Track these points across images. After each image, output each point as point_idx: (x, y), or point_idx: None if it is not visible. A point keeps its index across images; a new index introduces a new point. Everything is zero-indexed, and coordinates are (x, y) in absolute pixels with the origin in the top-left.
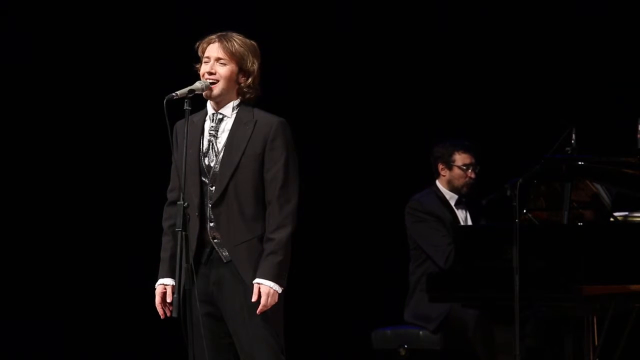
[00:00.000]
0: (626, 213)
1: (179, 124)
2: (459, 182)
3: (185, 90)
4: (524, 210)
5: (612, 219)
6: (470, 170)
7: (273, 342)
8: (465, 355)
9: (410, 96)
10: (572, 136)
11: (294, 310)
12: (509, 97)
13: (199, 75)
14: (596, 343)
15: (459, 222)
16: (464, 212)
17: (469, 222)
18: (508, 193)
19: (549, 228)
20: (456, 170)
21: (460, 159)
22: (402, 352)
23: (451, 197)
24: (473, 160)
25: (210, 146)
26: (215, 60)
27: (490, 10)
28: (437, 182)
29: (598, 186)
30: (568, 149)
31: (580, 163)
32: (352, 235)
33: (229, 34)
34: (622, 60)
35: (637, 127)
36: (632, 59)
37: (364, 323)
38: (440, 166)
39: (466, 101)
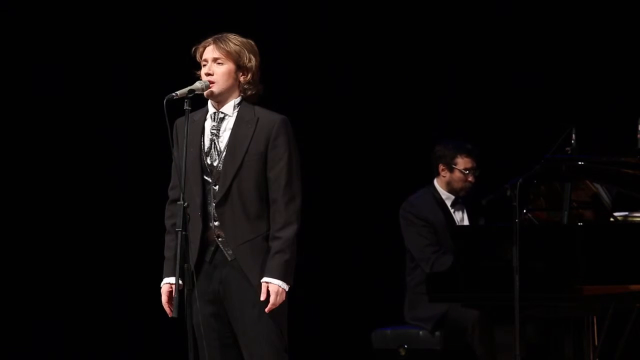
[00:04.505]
0: (626, 213)
1: (179, 122)
2: (457, 185)
3: (185, 90)
4: (524, 210)
5: (612, 219)
6: (470, 175)
7: (277, 342)
8: (465, 355)
9: (411, 95)
10: (572, 136)
11: (294, 310)
12: (509, 97)
13: (199, 79)
14: (596, 343)
15: (454, 223)
16: (460, 213)
17: (466, 223)
18: (508, 193)
19: (549, 228)
20: (457, 174)
21: (462, 162)
22: (402, 352)
23: (447, 198)
24: (474, 165)
25: (213, 145)
26: (212, 62)
27: (491, 10)
28: (435, 182)
29: (598, 186)
30: (568, 149)
31: (580, 163)
32: (352, 235)
33: (224, 34)
34: (622, 60)
35: (637, 127)
36: (632, 59)
37: (364, 323)
38: (441, 167)
39: (466, 101)
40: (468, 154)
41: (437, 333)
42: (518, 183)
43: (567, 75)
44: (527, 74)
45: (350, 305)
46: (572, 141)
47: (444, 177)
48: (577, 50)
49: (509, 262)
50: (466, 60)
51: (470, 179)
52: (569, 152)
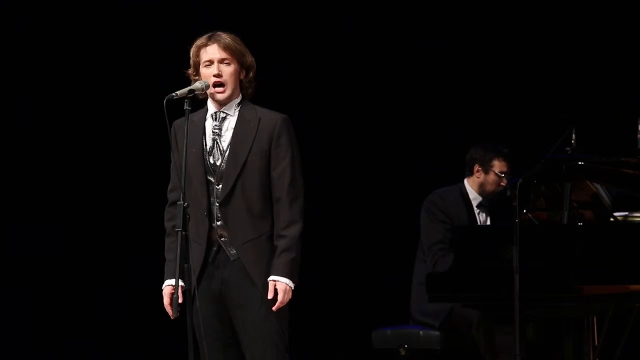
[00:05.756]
0: (626, 213)
1: (178, 123)
2: (490, 187)
3: (185, 90)
4: (524, 210)
5: (612, 219)
6: (504, 179)
7: (279, 341)
8: (466, 355)
9: (411, 95)
10: (572, 136)
11: (294, 310)
12: (509, 97)
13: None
14: (596, 343)
15: (477, 223)
16: (484, 214)
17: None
18: (508, 193)
19: (549, 228)
20: (492, 176)
21: (499, 165)
22: (402, 352)
23: (475, 198)
24: (509, 170)
25: (215, 145)
26: (218, 62)
27: (491, 9)
28: (466, 181)
29: (598, 186)
30: (568, 149)
31: (580, 163)
32: (353, 235)
33: (218, 33)
34: (623, 60)
35: (637, 127)
36: (632, 59)
37: (364, 323)
38: (477, 168)
39: (467, 101)
40: (505, 158)
41: (437, 333)
42: (518, 183)
43: (568, 76)
44: (527, 74)
45: (350, 304)
46: (572, 141)
47: (477, 177)
48: (577, 50)
49: (509, 262)
50: (466, 60)
51: (503, 182)
52: (569, 152)
